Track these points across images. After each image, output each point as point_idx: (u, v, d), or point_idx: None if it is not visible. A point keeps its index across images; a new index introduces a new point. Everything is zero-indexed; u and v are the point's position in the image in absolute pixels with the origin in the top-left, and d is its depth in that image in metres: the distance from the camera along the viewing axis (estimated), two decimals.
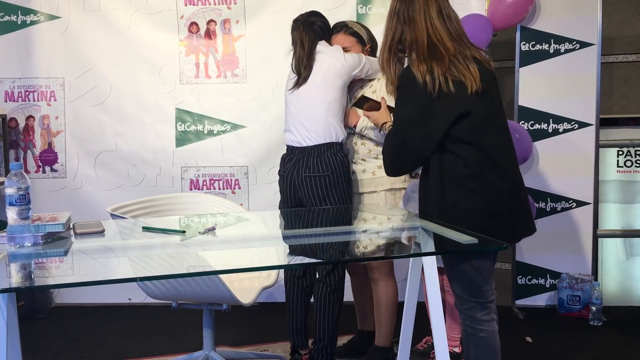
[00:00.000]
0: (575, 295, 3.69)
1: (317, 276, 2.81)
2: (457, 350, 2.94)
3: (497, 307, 2.20)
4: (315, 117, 2.71)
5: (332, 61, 2.73)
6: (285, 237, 2.35)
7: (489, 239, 1.88)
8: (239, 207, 3.10)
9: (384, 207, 2.80)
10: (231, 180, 3.91)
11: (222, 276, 2.34)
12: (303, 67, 2.74)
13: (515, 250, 3.84)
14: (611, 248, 4.01)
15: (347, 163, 2.78)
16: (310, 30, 2.78)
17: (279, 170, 2.85)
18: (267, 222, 2.68)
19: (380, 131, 2.67)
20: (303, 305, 2.88)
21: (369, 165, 2.86)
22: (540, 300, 3.86)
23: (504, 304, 3.85)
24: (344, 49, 2.81)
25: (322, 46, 2.78)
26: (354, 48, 2.86)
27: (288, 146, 2.83)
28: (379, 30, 3.77)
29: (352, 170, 2.88)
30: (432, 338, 2.08)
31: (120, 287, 3.72)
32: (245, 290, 2.66)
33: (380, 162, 2.87)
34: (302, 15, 2.85)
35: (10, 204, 1.87)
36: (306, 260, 2.10)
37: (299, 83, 2.75)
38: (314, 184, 2.70)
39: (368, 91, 2.85)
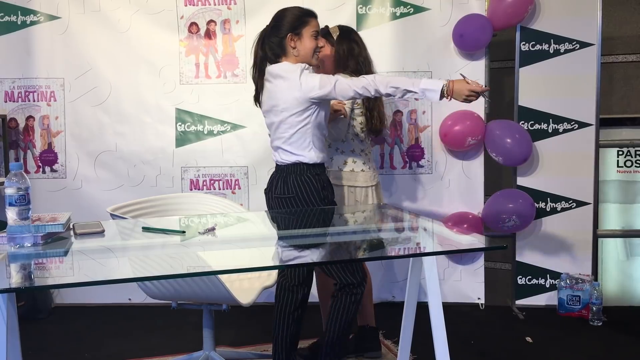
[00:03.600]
0: (575, 295, 3.69)
1: (336, 283, 2.60)
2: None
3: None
4: (282, 143, 2.58)
5: (290, 85, 2.52)
6: (283, 238, 2.35)
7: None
8: (239, 207, 3.10)
9: (383, 206, 2.80)
10: (231, 180, 3.91)
11: (222, 276, 2.34)
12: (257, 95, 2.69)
13: (515, 250, 3.84)
14: (611, 248, 4.01)
15: (316, 183, 2.57)
16: (262, 49, 2.66)
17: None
18: (267, 222, 2.68)
19: None
20: (293, 320, 2.68)
21: (348, 159, 2.93)
22: (540, 300, 3.86)
23: (504, 304, 3.82)
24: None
25: (279, 69, 2.57)
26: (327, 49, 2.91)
27: None
28: (378, 30, 3.82)
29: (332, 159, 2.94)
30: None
31: (120, 287, 3.72)
32: (245, 290, 2.66)
33: (355, 157, 2.93)
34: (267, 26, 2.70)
35: (10, 204, 1.88)
36: (305, 260, 2.09)
37: (262, 109, 2.68)
38: (282, 204, 2.60)
39: None
